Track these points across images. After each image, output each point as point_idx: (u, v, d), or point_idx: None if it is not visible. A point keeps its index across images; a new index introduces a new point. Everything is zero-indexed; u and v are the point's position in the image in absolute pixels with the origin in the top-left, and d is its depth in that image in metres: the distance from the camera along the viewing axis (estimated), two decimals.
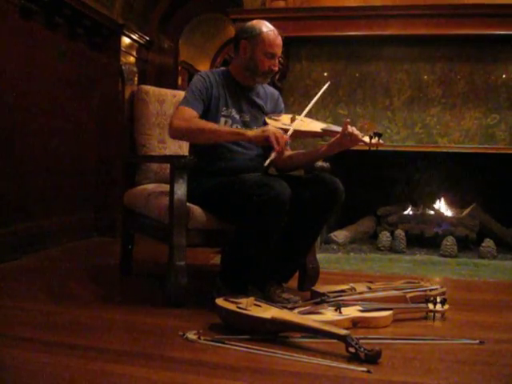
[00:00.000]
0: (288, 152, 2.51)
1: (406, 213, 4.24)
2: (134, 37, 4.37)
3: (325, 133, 2.32)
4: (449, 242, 3.67)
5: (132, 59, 4.40)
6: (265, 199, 2.01)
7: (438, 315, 2.18)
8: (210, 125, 2.25)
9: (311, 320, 1.88)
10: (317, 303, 2.15)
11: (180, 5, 5.20)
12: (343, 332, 1.73)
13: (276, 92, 2.61)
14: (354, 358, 1.67)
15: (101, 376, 1.53)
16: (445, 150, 3.70)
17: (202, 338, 1.80)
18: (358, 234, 4.14)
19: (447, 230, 3.90)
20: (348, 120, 2.23)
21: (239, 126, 2.38)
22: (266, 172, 2.49)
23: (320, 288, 2.38)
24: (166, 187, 2.31)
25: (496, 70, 3.58)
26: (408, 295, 2.29)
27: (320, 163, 2.52)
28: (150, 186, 2.66)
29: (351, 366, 1.61)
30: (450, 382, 1.55)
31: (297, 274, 2.53)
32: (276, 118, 2.43)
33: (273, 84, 3.41)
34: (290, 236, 2.27)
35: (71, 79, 3.83)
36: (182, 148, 2.84)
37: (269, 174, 2.49)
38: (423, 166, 4.31)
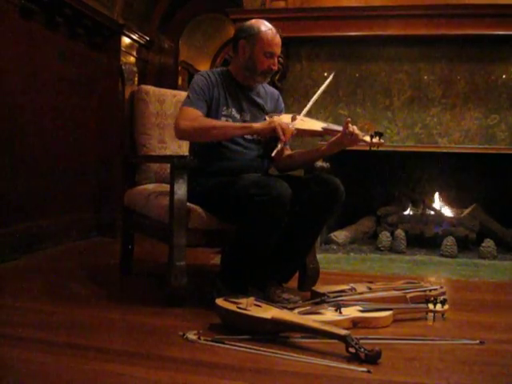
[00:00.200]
0: (288, 151, 2.51)
1: (406, 213, 4.24)
2: (134, 37, 4.38)
3: (325, 132, 2.32)
4: (449, 243, 3.67)
5: (132, 59, 4.41)
6: (265, 199, 2.01)
7: (438, 315, 2.18)
8: (216, 122, 2.28)
9: (311, 320, 1.88)
10: (317, 303, 2.15)
11: (180, 5, 5.20)
12: (343, 332, 1.73)
13: (276, 92, 2.61)
14: (354, 358, 1.67)
15: (101, 376, 1.53)
16: (445, 151, 3.70)
17: (201, 338, 1.80)
18: (358, 234, 4.13)
19: (447, 230, 3.90)
20: (349, 119, 2.23)
21: None
22: (266, 172, 2.50)
23: (320, 288, 2.38)
24: (166, 187, 2.31)
25: (496, 70, 3.58)
26: (408, 295, 2.29)
27: (320, 163, 2.52)
28: (150, 186, 2.66)
29: (351, 366, 1.61)
30: (449, 382, 1.55)
31: (297, 274, 2.53)
32: (276, 117, 2.42)
33: (273, 84, 3.42)
34: (290, 236, 2.27)
35: (71, 79, 3.83)
36: (182, 148, 2.84)
37: (269, 174, 2.49)
38: (423, 166, 4.31)
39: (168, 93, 2.90)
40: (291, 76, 3.81)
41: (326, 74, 3.76)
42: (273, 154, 2.19)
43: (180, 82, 5.82)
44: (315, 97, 2.37)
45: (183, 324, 1.98)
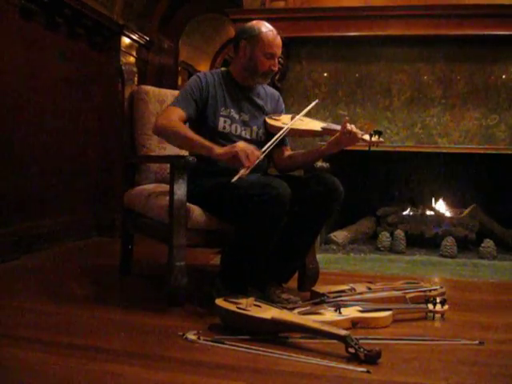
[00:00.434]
0: (288, 152, 2.51)
1: (405, 213, 4.24)
2: (134, 37, 4.38)
3: (324, 131, 2.32)
4: (448, 243, 3.67)
5: (132, 59, 4.41)
6: (265, 199, 2.01)
7: (437, 316, 2.18)
8: (186, 132, 2.21)
9: (311, 320, 1.88)
10: (316, 303, 2.15)
11: (180, 5, 5.21)
12: (343, 332, 1.73)
13: (276, 92, 2.61)
14: (353, 359, 1.67)
15: (100, 376, 1.53)
16: (444, 151, 3.70)
17: (201, 338, 1.80)
18: (357, 234, 4.14)
19: (447, 231, 3.90)
20: (347, 118, 2.23)
21: (238, 126, 2.38)
22: (266, 172, 2.50)
23: (320, 288, 2.38)
24: (166, 187, 2.31)
25: (496, 71, 3.58)
26: (408, 296, 2.29)
27: (320, 163, 2.52)
28: (150, 186, 2.66)
29: (351, 367, 1.61)
30: (449, 382, 1.55)
31: (296, 274, 2.53)
32: (276, 117, 2.43)
33: (273, 84, 3.42)
34: (289, 236, 2.27)
35: (71, 79, 3.83)
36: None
37: (268, 174, 2.49)
38: (423, 166, 4.31)
39: (168, 93, 2.89)
40: (291, 76, 3.81)
41: (325, 75, 3.77)
42: (232, 180, 2.02)
43: (180, 82, 5.82)
44: (303, 112, 2.37)
45: (183, 324, 1.98)
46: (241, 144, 2.12)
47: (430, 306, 2.17)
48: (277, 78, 3.61)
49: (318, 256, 2.72)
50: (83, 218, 4.05)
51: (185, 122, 2.30)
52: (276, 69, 2.38)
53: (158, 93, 2.85)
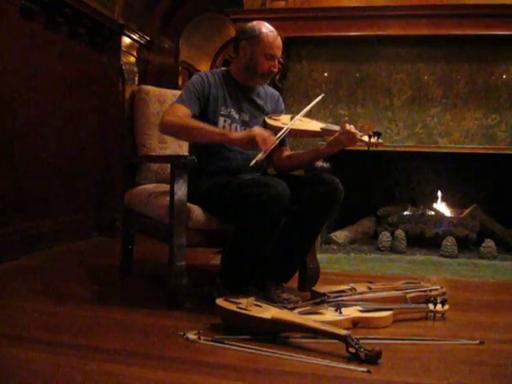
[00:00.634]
0: (287, 152, 2.51)
1: (406, 213, 4.23)
2: (135, 37, 4.38)
3: (324, 132, 2.32)
4: (449, 243, 3.67)
5: (132, 59, 4.41)
6: (264, 199, 2.01)
7: (438, 315, 2.18)
8: (198, 124, 2.24)
9: (311, 320, 1.88)
10: (317, 303, 2.15)
11: (180, 5, 5.21)
12: (343, 332, 1.73)
13: (276, 92, 2.61)
14: (354, 359, 1.67)
15: (100, 376, 1.53)
16: (445, 151, 3.70)
17: (202, 338, 1.80)
18: (358, 234, 4.13)
19: (447, 231, 3.90)
20: (346, 118, 2.23)
21: (238, 126, 2.38)
22: (265, 172, 2.50)
23: (320, 288, 2.38)
24: (167, 187, 2.31)
25: (496, 71, 3.58)
26: (408, 295, 2.29)
27: (320, 163, 2.52)
28: (151, 186, 2.66)
29: (351, 366, 1.61)
30: (450, 382, 1.55)
31: (297, 274, 2.53)
32: (276, 117, 2.43)
33: (273, 84, 3.42)
34: (289, 236, 2.27)
35: (71, 79, 3.83)
36: (182, 148, 2.84)
37: (268, 173, 2.49)
38: (423, 166, 4.31)
39: (168, 93, 2.90)
40: (291, 76, 3.81)
41: (326, 75, 3.77)
42: (251, 164, 2.09)
43: (180, 81, 5.82)
44: (306, 109, 2.37)
45: (183, 324, 1.98)
46: (257, 129, 2.17)
47: (431, 306, 2.17)
48: (277, 77, 3.61)
49: (319, 256, 2.72)
50: (83, 218, 4.05)
51: None
52: (276, 70, 2.38)
53: (158, 93, 2.85)
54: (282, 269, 2.38)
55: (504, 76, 3.57)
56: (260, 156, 2.11)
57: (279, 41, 2.35)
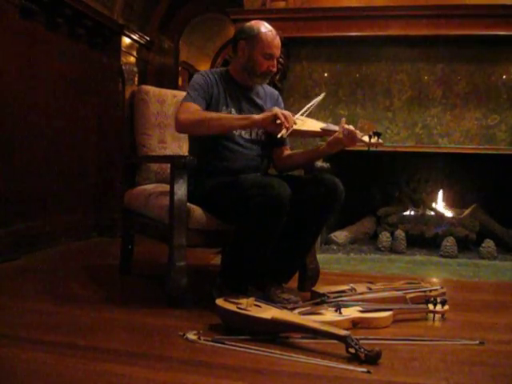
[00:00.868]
0: (287, 152, 2.51)
1: (406, 213, 4.23)
2: (135, 37, 4.38)
3: (324, 132, 2.31)
4: (449, 243, 3.67)
5: (132, 59, 4.41)
6: (265, 199, 2.01)
7: (438, 316, 2.18)
8: (215, 114, 2.27)
9: (311, 320, 1.88)
10: (317, 304, 2.15)
11: (180, 5, 5.21)
12: (343, 332, 1.73)
13: (275, 92, 2.61)
14: (353, 359, 1.67)
15: (101, 376, 1.53)
16: (445, 151, 3.70)
17: (202, 338, 1.80)
18: (358, 234, 4.13)
19: (447, 231, 3.90)
20: (344, 118, 2.24)
21: None
22: (266, 172, 2.50)
23: (320, 288, 2.38)
24: (166, 187, 2.31)
25: (496, 71, 3.58)
26: (408, 296, 2.29)
27: (320, 163, 2.52)
28: (150, 186, 2.66)
29: (351, 367, 1.61)
30: (449, 382, 1.55)
31: (297, 274, 2.53)
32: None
33: (273, 84, 3.41)
34: (290, 236, 2.27)
35: (71, 79, 3.83)
36: (182, 148, 2.84)
37: (268, 174, 2.49)
38: (423, 166, 4.31)
39: (168, 93, 2.90)
40: (292, 76, 3.81)
41: (326, 75, 3.77)
42: (279, 135, 2.14)
43: (180, 82, 5.83)
44: (307, 106, 2.37)
45: (183, 324, 1.98)
46: (277, 108, 2.22)
47: (431, 307, 2.17)
48: (277, 78, 3.61)
49: (319, 256, 2.72)
50: (83, 218, 4.05)
51: None
52: (275, 70, 2.38)
53: (158, 93, 2.85)
54: (282, 269, 2.38)
55: (504, 76, 3.57)
56: (284, 132, 2.14)
57: (278, 40, 2.34)
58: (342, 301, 2.15)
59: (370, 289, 2.37)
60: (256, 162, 2.39)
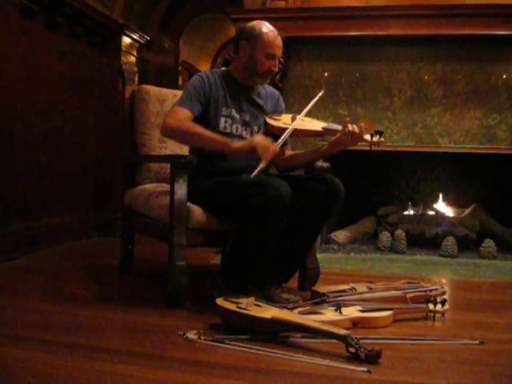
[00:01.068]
0: (289, 152, 2.51)
1: (406, 213, 4.24)
2: (135, 36, 4.38)
3: (325, 132, 2.31)
4: (449, 243, 3.67)
5: (132, 59, 4.41)
6: (265, 199, 2.01)
7: (438, 315, 2.18)
8: (200, 130, 2.22)
9: (311, 320, 1.88)
10: (317, 303, 2.15)
11: (180, 5, 5.20)
12: (343, 332, 1.73)
13: (276, 92, 2.61)
14: (354, 358, 1.67)
15: (101, 375, 1.53)
16: (445, 150, 3.70)
17: (202, 337, 1.80)
18: (358, 234, 4.13)
19: (447, 230, 3.90)
20: (348, 118, 2.23)
21: (239, 126, 2.38)
22: (266, 172, 2.49)
23: (320, 288, 2.37)
24: (167, 187, 2.31)
25: (496, 70, 3.58)
26: (408, 295, 2.29)
27: (320, 163, 2.52)
28: (151, 186, 2.66)
29: (351, 366, 1.61)
30: (449, 382, 1.55)
31: (297, 273, 2.53)
32: (276, 117, 2.43)
33: (274, 84, 3.42)
34: (290, 236, 2.27)
35: (71, 79, 3.83)
36: (182, 148, 2.84)
37: (269, 173, 2.49)
38: (423, 166, 4.31)
39: (168, 92, 2.90)
40: (292, 76, 3.81)
41: (326, 74, 3.77)
42: (252, 175, 2.06)
43: (180, 81, 5.82)
44: (308, 107, 2.37)
45: (183, 324, 1.98)
46: (258, 137, 2.15)
47: (431, 306, 2.17)
48: (278, 77, 3.61)
49: (319, 256, 2.72)
50: (83, 218, 4.05)
51: None
52: (276, 69, 2.38)
53: (158, 92, 2.85)
54: (282, 268, 2.38)
55: (504, 76, 3.57)
56: (262, 166, 2.08)
57: (279, 40, 2.34)
58: (342, 300, 2.15)
59: (370, 288, 2.37)
60: (256, 162, 2.39)
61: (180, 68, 5.85)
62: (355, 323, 2.02)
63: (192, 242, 2.25)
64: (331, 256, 3.62)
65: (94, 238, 4.11)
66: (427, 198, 4.33)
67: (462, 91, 3.62)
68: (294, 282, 2.53)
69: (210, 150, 2.30)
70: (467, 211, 4.09)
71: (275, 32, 2.34)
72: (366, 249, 3.87)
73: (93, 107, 4.11)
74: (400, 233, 3.84)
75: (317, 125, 2.34)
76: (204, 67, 6.51)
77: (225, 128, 2.36)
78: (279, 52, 2.35)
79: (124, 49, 4.24)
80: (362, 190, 4.14)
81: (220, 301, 1.99)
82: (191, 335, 1.82)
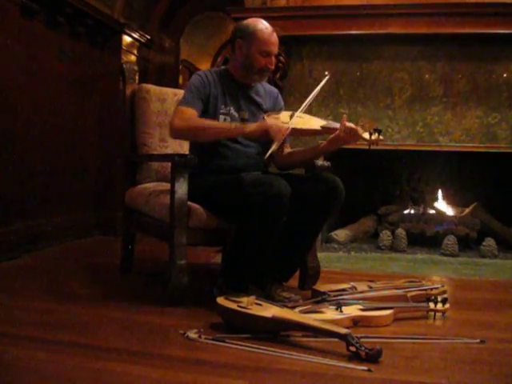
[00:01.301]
0: (288, 149, 2.51)
1: (406, 212, 4.24)
2: (135, 36, 4.38)
3: (324, 130, 2.31)
4: (450, 241, 3.67)
5: (133, 58, 4.41)
6: (265, 198, 2.01)
7: (438, 314, 2.18)
8: (210, 122, 2.27)
9: (312, 319, 1.88)
10: (317, 302, 2.15)
11: (181, 4, 5.20)
12: (344, 331, 1.73)
13: (275, 90, 2.61)
14: (354, 357, 1.67)
15: (101, 374, 1.53)
16: (446, 149, 3.70)
17: (202, 336, 1.80)
18: (358, 233, 4.13)
19: (448, 229, 3.90)
20: (345, 116, 2.24)
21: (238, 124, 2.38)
22: (266, 170, 2.50)
23: (321, 287, 2.38)
24: (167, 186, 2.31)
25: (497, 69, 3.57)
26: (409, 294, 2.29)
27: (320, 162, 2.52)
28: (151, 185, 2.66)
29: (352, 365, 1.61)
30: (450, 380, 1.55)
31: (297, 272, 2.53)
32: (275, 115, 2.42)
33: (274, 83, 3.42)
34: (290, 235, 2.27)
35: (72, 78, 3.83)
36: (182, 147, 2.84)
37: (269, 172, 2.49)
38: (424, 164, 4.31)
39: (169, 91, 2.90)
40: (292, 75, 3.80)
41: (326, 73, 3.76)
42: (265, 157, 2.20)
43: (181, 80, 5.83)
44: (311, 96, 2.37)
45: (184, 323, 1.98)
46: (270, 120, 2.22)
47: (431, 305, 2.17)
48: (278, 76, 3.61)
49: (319, 255, 2.72)
50: (84, 217, 4.05)
51: None
52: (273, 67, 2.38)
53: (159, 91, 2.85)
54: (282, 267, 2.38)
55: (505, 75, 3.56)
56: (274, 147, 2.17)
57: (275, 37, 2.34)
58: (342, 299, 2.15)
59: (371, 287, 2.38)
60: (256, 160, 2.39)
61: (180, 67, 5.85)
62: (356, 322, 2.02)
63: (192, 240, 2.25)
64: (332, 255, 3.62)
65: (95, 237, 4.11)
66: (428, 197, 4.33)
67: (462, 90, 3.62)
68: (294, 281, 2.53)
69: (210, 146, 2.31)
70: (468, 210, 4.09)
71: (270, 29, 2.33)
72: (366, 248, 3.87)
73: (93, 107, 4.11)
74: (401, 232, 3.83)
75: (316, 123, 2.34)
76: (204, 66, 6.52)
77: None
78: (275, 49, 2.35)
79: (124, 48, 4.24)
80: (362, 188, 4.14)
81: (221, 300, 1.99)
82: (192, 334, 1.82)
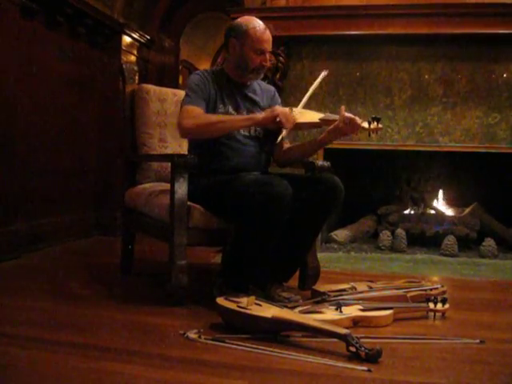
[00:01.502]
0: (287, 145, 2.51)
1: (406, 212, 4.24)
2: (135, 36, 4.38)
3: (323, 122, 2.31)
4: (449, 242, 3.67)
5: (133, 58, 4.41)
6: (266, 198, 2.01)
7: (438, 314, 2.18)
8: (219, 116, 2.30)
9: (312, 319, 1.88)
10: (317, 302, 2.15)
11: (181, 4, 5.21)
12: (344, 331, 1.73)
13: (272, 88, 2.61)
14: (354, 357, 1.67)
15: (101, 374, 1.53)
16: (446, 149, 3.70)
17: (202, 336, 1.80)
18: (358, 233, 4.13)
19: (448, 229, 3.90)
20: (343, 106, 2.24)
21: None
22: (266, 170, 2.50)
23: (321, 287, 2.38)
24: (167, 186, 2.31)
25: (497, 69, 3.57)
26: (409, 294, 2.29)
27: (320, 162, 2.52)
28: (151, 185, 2.66)
29: (352, 365, 1.61)
30: (450, 381, 1.55)
31: (297, 273, 2.53)
32: (278, 105, 2.42)
33: (273, 83, 3.42)
34: (290, 235, 2.26)
35: (72, 78, 3.83)
36: (182, 147, 2.84)
37: (269, 172, 2.49)
38: (424, 165, 4.31)
39: (169, 92, 2.90)
40: (292, 75, 3.81)
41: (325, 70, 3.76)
42: (277, 141, 2.27)
43: (181, 80, 5.82)
44: (309, 92, 2.38)
45: (184, 323, 1.98)
46: (279, 108, 2.27)
47: (431, 305, 2.17)
48: (278, 76, 3.61)
49: (319, 255, 2.72)
50: (84, 217, 4.05)
51: None
52: (267, 64, 2.38)
53: (158, 91, 2.85)
54: (282, 267, 2.38)
55: (504, 75, 3.57)
56: (284, 133, 2.26)
57: (268, 34, 2.33)
58: (342, 299, 2.15)
59: (371, 287, 2.37)
60: (256, 159, 2.39)
61: (180, 67, 5.85)
62: (356, 322, 2.02)
63: (192, 241, 2.25)
64: (331, 255, 3.62)
65: (95, 237, 4.11)
66: (428, 197, 4.33)
67: (462, 90, 3.62)
68: (294, 281, 2.53)
69: (210, 145, 2.32)
70: (468, 210, 4.09)
71: (263, 26, 2.33)
72: (366, 248, 3.87)
73: (93, 107, 4.11)
74: (400, 232, 3.83)
75: (314, 116, 2.34)
76: (204, 66, 6.52)
77: None
78: (269, 46, 2.34)
79: (124, 48, 4.24)
80: (362, 189, 4.14)
81: (220, 300, 1.99)
82: (192, 334, 1.82)
